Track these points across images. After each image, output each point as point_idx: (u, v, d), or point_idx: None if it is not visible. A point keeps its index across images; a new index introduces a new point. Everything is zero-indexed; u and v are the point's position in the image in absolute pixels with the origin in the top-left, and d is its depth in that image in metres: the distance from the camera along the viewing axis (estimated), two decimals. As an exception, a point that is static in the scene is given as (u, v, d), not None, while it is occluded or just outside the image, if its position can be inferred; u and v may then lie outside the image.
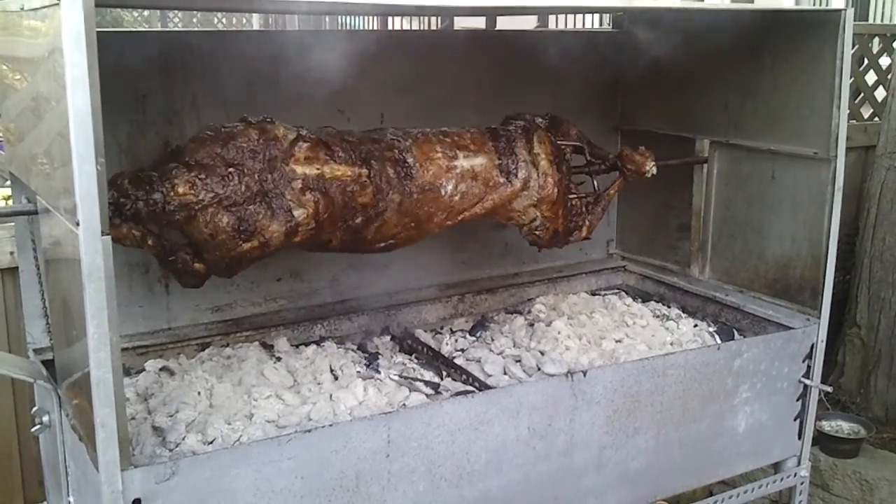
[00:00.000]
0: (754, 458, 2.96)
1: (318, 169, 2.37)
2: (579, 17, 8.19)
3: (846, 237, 4.98)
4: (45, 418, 2.33)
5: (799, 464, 3.04)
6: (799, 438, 3.01)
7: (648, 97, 3.53)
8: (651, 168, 3.00)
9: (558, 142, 2.90)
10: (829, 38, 2.79)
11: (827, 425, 4.36)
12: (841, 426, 4.40)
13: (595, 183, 3.04)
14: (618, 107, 3.65)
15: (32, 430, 2.37)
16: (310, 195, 2.35)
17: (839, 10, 2.79)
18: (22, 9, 2.03)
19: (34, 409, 2.42)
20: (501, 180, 2.73)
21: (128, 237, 2.19)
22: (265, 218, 2.28)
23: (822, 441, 4.28)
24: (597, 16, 7.73)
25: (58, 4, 1.63)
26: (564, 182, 2.86)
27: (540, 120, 2.90)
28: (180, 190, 2.18)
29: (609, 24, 3.87)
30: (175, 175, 2.19)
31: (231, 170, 2.24)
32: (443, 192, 2.61)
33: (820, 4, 11.10)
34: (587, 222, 2.96)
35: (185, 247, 2.33)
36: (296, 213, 2.32)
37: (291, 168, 2.33)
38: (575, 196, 2.93)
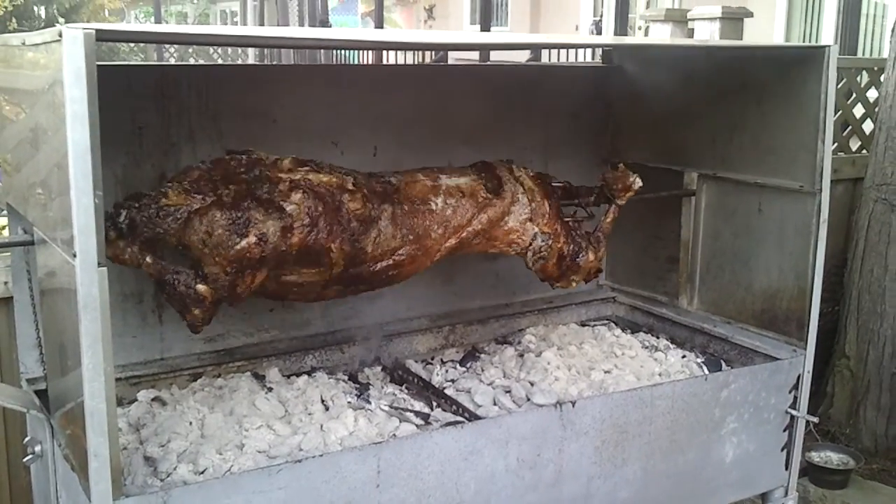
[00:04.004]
0: (742, 488, 2.98)
1: (302, 175, 2.44)
2: (571, 50, 8.28)
3: (835, 268, 5.02)
4: (38, 448, 2.35)
5: (786, 494, 3.07)
6: (786, 469, 3.04)
7: (638, 131, 3.59)
8: (635, 180, 3.01)
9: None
10: (815, 73, 2.85)
11: (816, 456, 4.37)
12: (830, 457, 4.41)
13: (588, 210, 3.08)
14: (608, 140, 3.70)
15: (24, 459, 2.38)
16: (299, 193, 2.39)
17: (824, 47, 2.85)
18: (23, 43, 2.07)
19: (26, 439, 2.44)
20: (490, 196, 2.80)
21: (125, 253, 2.23)
22: (258, 213, 2.31)
23: (812, 472, 4.29)
24: (589, 50, 7.83)
25: (59, 41, 1.67)
26: (555, 199, 2.90)
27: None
28: (173, 198, 2.26)
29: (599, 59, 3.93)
30: (166, 187, 2.31)
31: (219, 181, 2.33)
32: (434, 207, 2.68)
33: (810, 40, 11.25)
34: (592, 246, 2.98)
35: (184, 266, 2.35)
36: (288, 208, 2.35)
37: (277, 176, 2.40)
38: (570, 219, 2.97)
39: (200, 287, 2.31)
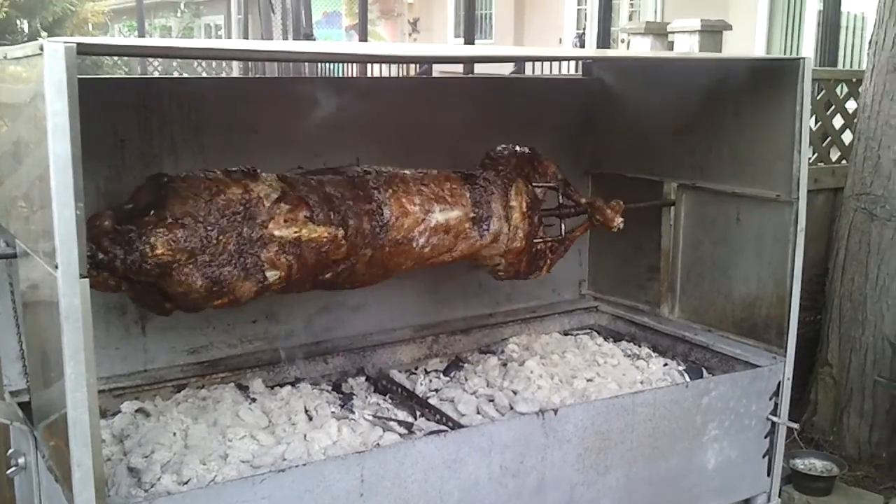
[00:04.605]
0: (724, 494, 3.00)
1: (295, 232, 2.43)
2: (555, 63, 8.33)
3: (816, 277, 5.06)
4: (21, 460, 2.35)
5: (769, 500, 3.09)
6: (768, 475, 3.06)
7: (618, 142, 3.63)
8: (618, 224, 3.09)
9: (535, 185, 2.99)
10: (790, 84, 2.90)
11: (800, 463, 4.39)
12: (814, 464, 4.43)
13: (562, 226, 3.12)
14: (589, 151, 3.74)
15: (8, 472, 2.38)
16: (284, 258, 2.42)
17: (799, 59, 2.90)
18: (5, 57, 2.09)
19: (10, 451, 2.44)
20: (473, 234, 2.83)
21: (103, 285, 2.24)
22: (238, 279, 2.35)
23: (796, 479, 4.31)
24: (573, 62, 7.87)
25: (41, 54, 1.69)
26: (534, 232, 2.94)
27: (521, 150, 3.00)
28: (159, 251, 2.23)
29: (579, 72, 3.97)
30: (154, 234, 2.22)
31: (210, 231, 2.29)
32: (414, 245, 2.70)
33: (791, 53, 11.36)
34: (549, 261, 3.04)
35: (158, 292, 2.37)
36: (269, 273, 2.41)
37: (270, 232, 2.39)
38: (541, 240, 3.01)
39: (169, 306, 2.39)
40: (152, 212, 2.27)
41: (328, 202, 2.51)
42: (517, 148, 3.01)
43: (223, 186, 2.35)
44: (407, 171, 2.76)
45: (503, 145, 3.05)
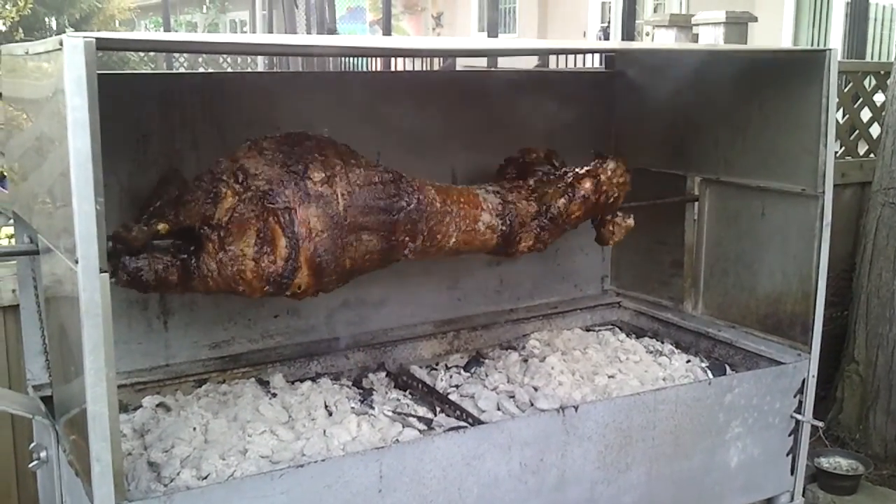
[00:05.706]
0: (747, 493, 2.97)
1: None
2: (580, 56, 8.28)
3: (843, 273, 5.01)
4: (43, 454, 2.36)
5: (792, 499, 3.06)
6: (792, 474, 3.03)
7: (641, 135, 3.59)
8: (609, 241, 3.15)
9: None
10: (816, 76, 2.85)
11: (825, 462, 4.35)
12: (839, 463, 4.39)
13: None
14: (611, 145, 3.70)
15: (30, 465, 2.40)
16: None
17: (825, 50, 2.86)
18: (27, 53, 2.10)
19: (32, 444, 2.45)
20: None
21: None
22: None
23: (821, 478, 4.27)
24: (598, 55, 7.82)
25: (60, 49, 1.69)
26: None
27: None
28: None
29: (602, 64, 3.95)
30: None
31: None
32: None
33: (818, 45, 11.23)
34: None
35: None
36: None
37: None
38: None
39: None
40: (182, 258, 2.29)
41: (349, 272, 2.49)
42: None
43: (256, 281, 2.32)
44: (454, 226, 2.69)
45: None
